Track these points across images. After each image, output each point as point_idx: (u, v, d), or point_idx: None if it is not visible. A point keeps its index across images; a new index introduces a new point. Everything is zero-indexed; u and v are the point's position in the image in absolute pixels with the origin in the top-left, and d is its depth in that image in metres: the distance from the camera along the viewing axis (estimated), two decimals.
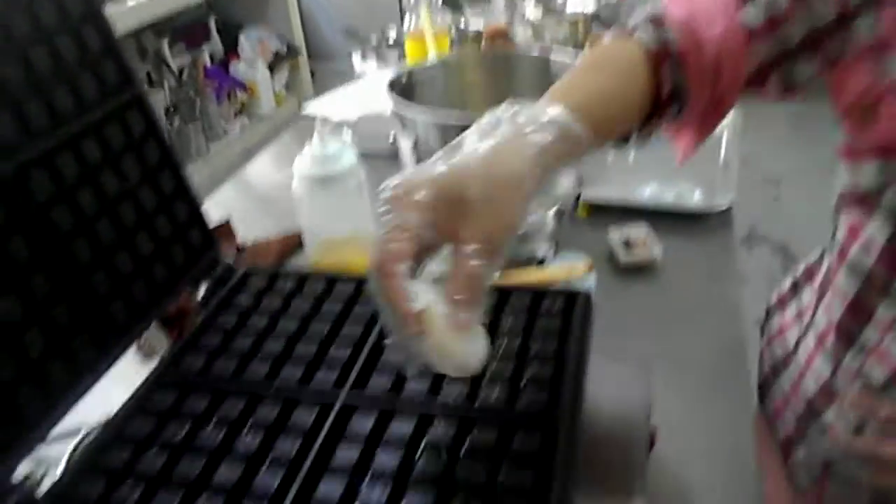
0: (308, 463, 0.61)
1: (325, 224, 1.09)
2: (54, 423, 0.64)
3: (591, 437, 0.69)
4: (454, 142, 0.62)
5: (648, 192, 1.35)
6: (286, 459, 0.62)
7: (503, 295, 0.79)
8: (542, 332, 0.73)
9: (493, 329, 0.75)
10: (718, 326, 1.05)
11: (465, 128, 0.64)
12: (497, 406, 0.65)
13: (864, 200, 0.79)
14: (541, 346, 0.71)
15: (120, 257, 0.73)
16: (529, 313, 0.76)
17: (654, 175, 1.39)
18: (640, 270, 1.16)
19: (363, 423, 0.65)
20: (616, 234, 1.21)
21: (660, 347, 0.99)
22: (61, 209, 0.68)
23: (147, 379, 0.72)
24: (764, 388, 1.05)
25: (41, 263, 0.65)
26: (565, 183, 1.26)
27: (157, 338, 0.83)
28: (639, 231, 1.22)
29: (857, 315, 0.81)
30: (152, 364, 0.73)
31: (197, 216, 0.83)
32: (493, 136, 0.60)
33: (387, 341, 0.60)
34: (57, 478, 0.62)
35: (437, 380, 0.70)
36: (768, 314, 1.11)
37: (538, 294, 0.78)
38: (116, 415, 0.68)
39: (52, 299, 0.66)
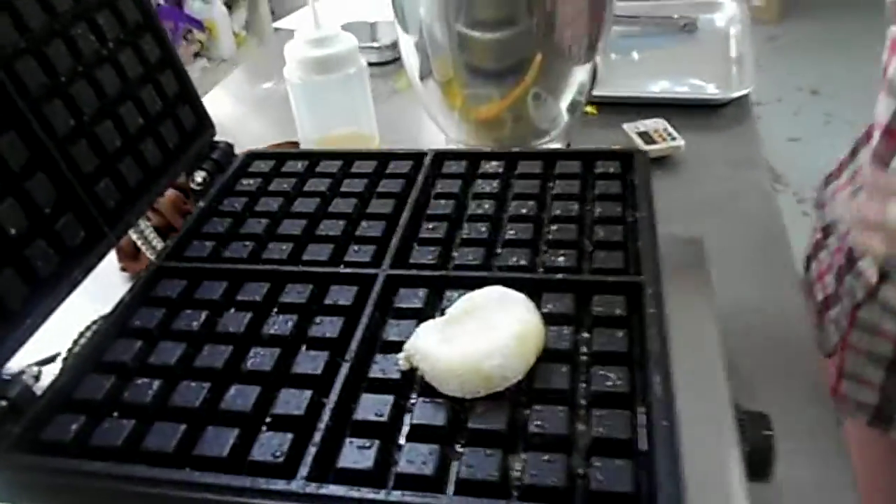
0: (355, 343, 0.52)
1: (323, 119, 0.98)
2: (42, 315, 0.53)
3: None
4: None
5: (659, 89, 1.27)
6: (329, 341, 0.53)
7: (549, 160, 0.69)
8: (602, 195, 0.64)
9: (542, 195, 0.66)
10: (753, 211, 0.98)
11: None
12: (569, 270, 0.57)
13: None
14: (603, 209, 0.62)
15: (103, 131, 0.61)
16: (583, 177, 0.67)
17: (661, 74, 1.30)
18: (663, 162, 1.08)
19: (412, 298, 0.56)
20: (632, 129, 1.13)
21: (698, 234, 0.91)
22: (31, 70, 0.56)
23: (147, 268, 0.61)
24: (811, 257, 0.99)
25: (13, 131, 0.53)
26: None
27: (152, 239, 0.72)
28: (656, 124, 1.14)
29: (891, 140, 0.75)
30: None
31: (188, 91, 0.72)
32: None
33: None
34: (56, 374, 0.51)
35: (490, 249, 0.61)
36: (827, 182, 1.04)
37: (589, 156, 0.69)
38: (117, 306, 0.57)
39: (28, 171, 0.54)
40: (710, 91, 1.24)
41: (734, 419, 0.59)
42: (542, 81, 0.98)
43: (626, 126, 1.13)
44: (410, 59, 0.98)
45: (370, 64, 1.07)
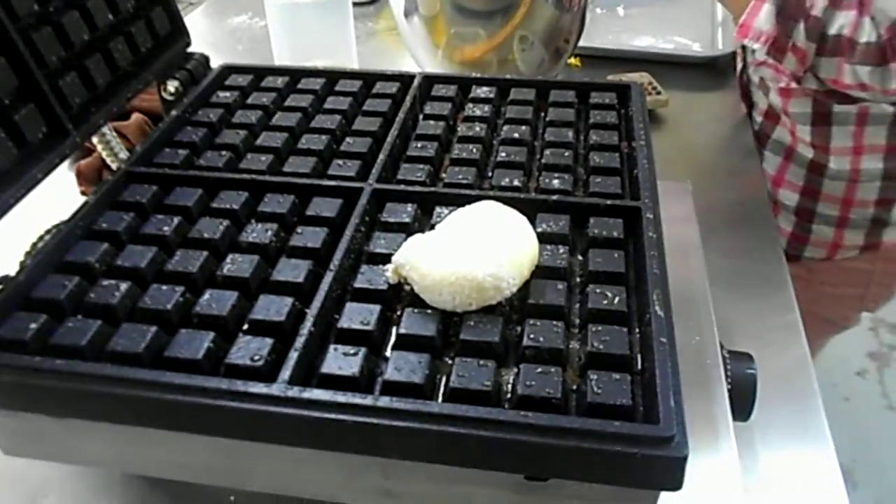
0: (340, 254, 0.49)
1: (302, 48, 0.94)
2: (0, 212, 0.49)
3: None
4: None
5: (644, 45, 1.25)
6: (311, 250, 0.50)
7: (542, 89, 0.67)
8: (598, 124, 0.62)
9: (535, 121, 0.64)
10: (738, 167, 0.98)
11: None
12: (564, 193, 0.55)
13: None
14: (599, 137, 0.60)
15: (69, 21, 0.56)
16: (578, 107, 0.65)
17: (646, 30, 1.29)
18: (650, 116, 1.06)
19: (399, 212, 0.53)
20: (616, 81, 1.11)
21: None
22: None
23: (115, 173, 0.57)
24: None
25: None
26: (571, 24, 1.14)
27: (118, 150, 0.67)
28: (641, 77, 1.12)
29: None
30: None
31: None
32: None
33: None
34: (14, 274, 0.47)
35: (481, 169, 0.58)
36: None
37: (584, 87, 0.67)
38: (80, 209, 0.53)
39: None
40: (695, 49, 1.23)
41: (720, 357, 0.58)
42: (529, 24, 0.96)
43: (610, 78, 1.11)
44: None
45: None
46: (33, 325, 0.44)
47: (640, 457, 0.36)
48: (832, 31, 0.75)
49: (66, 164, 0.94)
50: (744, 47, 1.01)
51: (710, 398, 0.56)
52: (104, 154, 0.67)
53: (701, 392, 0.56)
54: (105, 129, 0.64)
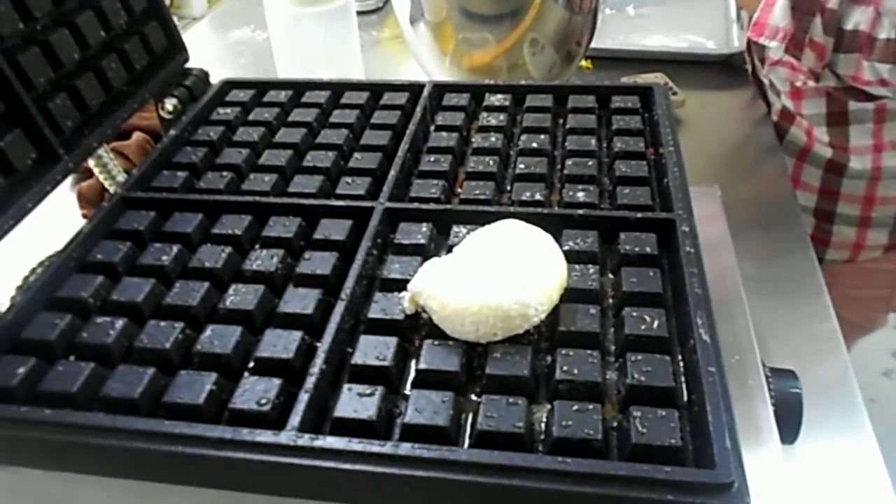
0: (351, 281, 0.45)
1: (306, 60, 0.90)
2: None
3: None
4: None
5: (656, 45, 1.22)
6: (320, 278, 0.46)
7: (560, 94, 0.63)
8: (621, 130, 0.58)
9: (554, 129, 0.60)
10: (760, 165, 0.94)
11: None
12: (590, 206, 0.51)
13: None
14: (624, 144, 0.56)
15: (58, 40, 0.53)
16: (599, 112, 0.61)
17: (658, 29, 1.25)
18: None
19: (414, 233, 0.49)
20: (630, 82, 1.07)
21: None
22: None
23: (111, 198, 0.54)
24: None
25: None
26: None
27: (116, 173, 0.64)
28: (656, 78, 1.08)
29: None
30: None
31: (158, 9, 0.64)
32: None
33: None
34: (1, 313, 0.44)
35: (500, 183, 0.55)
36: None
37: (604, 90, 0.63)
38: (74, 238, 0.50)
39: None
40: (710, 47, 1.19)
41: (763, 376, 0.54)
42: (539, 27, 0.92)
43: (624, 80, 1.07)
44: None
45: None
46: (21, 370, 0.40)
47: None
48: (849, 26, 0.71)
49: (67, 186, 0.91)
50: (750, 48, 0.97)
51: (755, 423, 0.51)
52: (101, 178, 0.63)
53: (745, 416, 0.51)
54: (101, 152, 0.61)
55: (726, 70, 1.13)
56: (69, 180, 0.92)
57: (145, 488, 0.39)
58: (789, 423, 0.55)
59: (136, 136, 0.90)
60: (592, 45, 1.00)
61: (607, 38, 1.17)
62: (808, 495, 0.55)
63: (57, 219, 0.63)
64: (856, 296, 1.01)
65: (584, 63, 1.14)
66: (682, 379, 0.40)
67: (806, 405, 0.56)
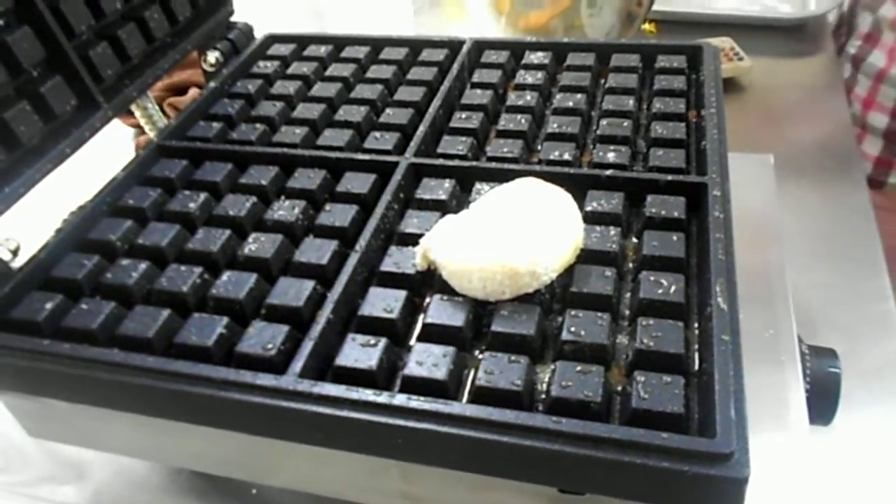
0: (368, 233, 0.45)
1: (357, 21, 0.90)
2: (24, 185, 0.47)
3: None
4: None
5: (726, 7, 1.16)
6: (338, 230, 0.46)
7: (603, 53, 0.61)
8: (663, 90, 0.56)
9: (593, 88, 0.58)
10: (827, 139, 0.88)
11: None
12: (620, 167, 0.49)
13: None
14: (664, 105, 0.54)
15: None
16: (642, 72, 0.59)
17: None
18: (728, 84, 0.98)
19: (436, 189, 0.49)
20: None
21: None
22: None
23: (147, 147, 0.55)
24: None
25: None
26: None
27: (159, 122, 0.65)
28: (722, 42, 1.03)
29: None
30: None
31: None
32: None
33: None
34: (35, 252, 0.46)
35: (529, 142, 0.53)
36: None
37: (650, 49, 0.60)
38: (108, 184, 0.51)
39: (10, 23, 0.48)
40: (783, 11, 1.12)
41: (799, 352, 0.51)
42: None
43: None
44: None
45: None
46: (48, 306, 0.42)
47: (690, 475, 0.31)
48: None
49: (129, 138, 0.94)
50: None
51: (783, 400, 0.49)
52: (146, 127, 0.65)
53: (773, 393, 0.49)
54: (147, 103, 0.62)
55: (800, 36, 1.07)
56: (131, 133, 0.96)
57: (159, 424, 0.40)
58: (824, 403, 0.52)
59: (192, 91, 0.92)
60: (656, 6, 0.96)
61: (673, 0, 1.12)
62: (832, 478, 0.52)
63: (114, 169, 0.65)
64: None
65: (646, 26, 1.10)
66: (696, 348, 0.38)
67: (848, 388, 0.53)
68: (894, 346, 0.64)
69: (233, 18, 0.68)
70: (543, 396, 0.37)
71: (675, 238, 0.43)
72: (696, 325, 0.39)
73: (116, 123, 0.78)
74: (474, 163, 0.50)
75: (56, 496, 0.50)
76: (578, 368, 0.36)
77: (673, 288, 0.40)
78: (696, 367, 0.38)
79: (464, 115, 0.55)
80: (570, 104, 0.55)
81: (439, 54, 0.63)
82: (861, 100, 0.99)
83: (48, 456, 0.52)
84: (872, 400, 0.59)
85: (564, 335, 0.38)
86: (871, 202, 0.80)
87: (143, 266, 0.44)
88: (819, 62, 1.03)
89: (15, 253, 0.46)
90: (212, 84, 0.61)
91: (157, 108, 0.64)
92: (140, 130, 0.95)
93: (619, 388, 0.37)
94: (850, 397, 0.54)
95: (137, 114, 0.63)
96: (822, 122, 0.92)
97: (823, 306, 0.66)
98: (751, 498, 0.32)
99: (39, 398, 0.42)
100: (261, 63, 0.65)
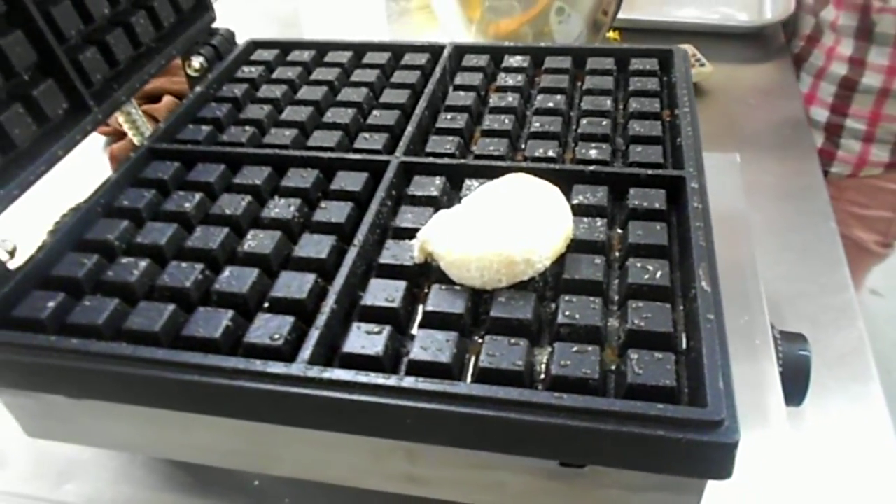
0: (365, 228, 0.46)
1: (333, 28, 0.91)
2: (18, 187, 0.48)
3: None
4: None
5: (686, 16, 1.20)
6: (335, 226, 0.48)
7: (579, 56, 0.64)
8: (638, 91, 0.58)
9: (571, 90, 0.61)
10: (786, 141, 0.93)
11: None
12: (602, 163, 0.51)
13: None
14: (640, 105, 0.57)
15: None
16: (617, 74, 0.62)
17: (689, 1, 1.23)
18: (694, 89, 1.02)
19: (427, 185, 0.50)
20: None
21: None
22: None
23: (137, 149, 0.56)
24: None
25: None
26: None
27: (142, 126, 0.66)
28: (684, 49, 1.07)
29: None
30: None
31: None
32: None
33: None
34: (33, 253, 0.46)
35: (514, 140, 0.56)
36: None
37: (623, 53, 0.63)
38: (102, 186, 0.52)
39: (3, 27, 0.48)
40: (741, 19, 1.17)
41: (772, 337, 0.54)
42: None
43: None
44: None
45: None
46: (51, 304, 0.43)
47: (685, 442, 0.33)
48: None
49: (101, 147, 0.94)
50: None
51: (760, 382, 0.52)
52: (129, 132, 0.65)
53: (750, 375, 0.52)
54: (131, 108, 0.63)
55: (758, 43, 1.12)
56: (102, 141, 0.95)
57: (165, 417, 0.41)
58: (796, 384, 0.55)
59: (166, 99, 0.93)
60: (620, 15, 0.99)
61: (636, 7, 1.16)
62: (808, 454, 0.55)
63: (90, 177, 0.65)
64: (860, 214, 1.08)
65: (610, 34, 1.13)
66: (682, 328, 0.41)
67: (818, 373, 0.56)
68: (856, 333, 0.68)
69: (214, 25, 0.70)
70: (543, 376, 0.38)
71: (658, 227, 0.45)
72: (681, 307, 0.42)
73: None
74: (463, 160, 0.52)
75: (55, 495, 0.50)
76: (575, 349, 0.38)
77: (659, 273, 0.42)
78: (684, 346, 0.40)
79: (449, 116, 0.57)
80: (551, 105, 0.58)
81: (421, 58, 0.65)
82: (803, 96, 1.05)
83: (47, 456, 0.52)
84: (837, 383, 0.63)
85: (560, 318, 0.40)
86: (828, 202, 0.84)
87: (143, 264, 0.45)
88: (775, 66, 1.08)
89: (12, 254, 0.47)
90: (198, 88, 0.62)
91: (140, 113, 0.65)
92: (112, 139, 0.95)
93: (613, 367, 0.39)
94: (816, 382, 0.57)
95: (121, 119, 0.63)
96: (781, 123, 0.97)
97: (790, 297, 0.69)
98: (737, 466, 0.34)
99: (41, 396, 0.43)
100: (245, 68, 0.66)
